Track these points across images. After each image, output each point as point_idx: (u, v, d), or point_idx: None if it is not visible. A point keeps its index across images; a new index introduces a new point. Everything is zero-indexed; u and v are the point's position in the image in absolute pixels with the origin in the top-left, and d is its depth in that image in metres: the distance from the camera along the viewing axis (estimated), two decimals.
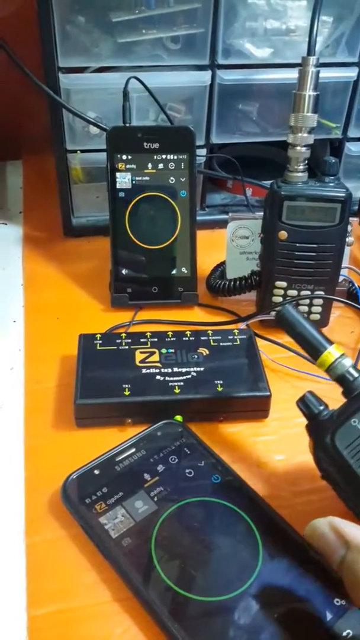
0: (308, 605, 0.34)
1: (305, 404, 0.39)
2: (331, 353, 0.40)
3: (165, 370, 0.49)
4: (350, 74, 0.68)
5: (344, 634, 0.32)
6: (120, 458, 0.43)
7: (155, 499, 0.40)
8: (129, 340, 0.52)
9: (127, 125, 0.60)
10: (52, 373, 0.53)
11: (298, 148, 0.52)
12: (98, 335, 0.52)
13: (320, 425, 0.38)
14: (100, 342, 0.52)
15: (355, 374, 0.39)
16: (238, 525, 0.38)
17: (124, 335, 0.53)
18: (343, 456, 0.36)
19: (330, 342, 0.40)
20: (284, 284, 0.56)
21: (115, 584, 0.36)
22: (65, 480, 0.41)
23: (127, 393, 0.47)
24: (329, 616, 0.33)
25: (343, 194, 0.52)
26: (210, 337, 0.53)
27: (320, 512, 0.41)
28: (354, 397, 0.38)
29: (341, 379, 0.39)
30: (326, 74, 0.66)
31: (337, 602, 0.34)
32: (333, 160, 0.53)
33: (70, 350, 0.52)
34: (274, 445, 0.47)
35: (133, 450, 0.43)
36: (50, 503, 0.41)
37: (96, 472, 0.41)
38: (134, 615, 0.35)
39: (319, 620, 0.33)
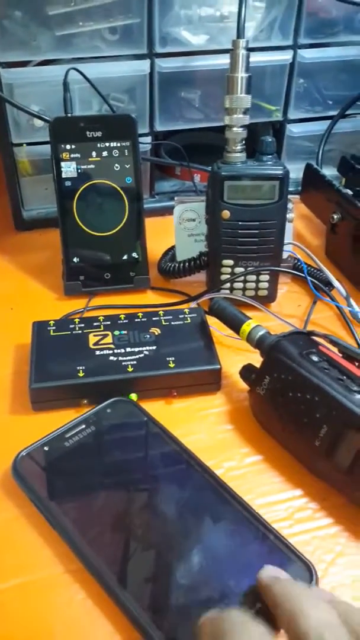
0: (244, 570, 0.35)
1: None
2: (249, 324, 0.49)
3: (119, 351, 0.50)
4: (286, 56, 0.70)
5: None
6: (70, 434, 0.44)
7: (104, 473, 0.41)
8: (82, 325, 0.53)
9: (69, 115, 0.61)
10: (7, 361, 0.53)
11: (235, 129, 0.54)
12: (51, 322, 0.53)
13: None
14: (54, 328, 0.53)
15: (268, 335, 0.48)
16: (185, 495, 0.40)
17: (77, 320, 0.54)
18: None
19: (248, 318, 0.50)
20: (230, 262, 0.58)
21: (71, 555, 0.37)
22: (16, 457, 0.42)
23: (81, 374, 0.48)
24: None
25: (281, 171, 0.54)
26: (161, 317, 0.55)
27: (268, 475, 0.44)
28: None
29: (258, 342, 0.48)
30: (263, 57, 0.69)
31: None
32: (270, 139, 0.55)
33: (25, 340, 0.53)
34: (225, 417, 0.49)
35: (83, 426, 0.45)
36: (5, 483, 0.42)
37: (46, 448, 0.43)
38: (93, 583, 0.36)
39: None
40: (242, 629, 0.27)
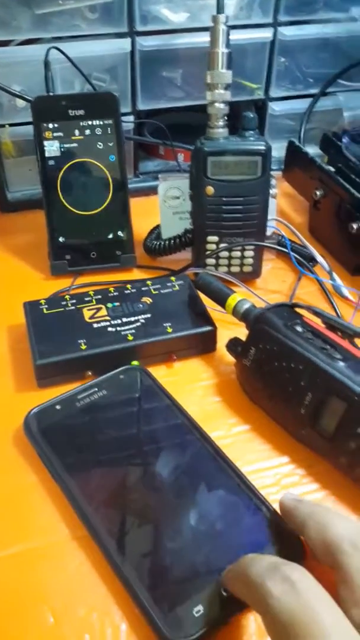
0: (236, 538, 0.36)
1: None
2: (234, 298, 0.50)
3: (115, 322, 0.51)
4: (266, 34, 0.71)
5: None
6: (82, 396, 0.46)
7: (112, 435, 0.43)
8: (74, 301, 0.54)
9: (51, 94, 0.61)
10: (1, 341, 0.54)
11: (216, 104, 0.54)
12: (42, 301, 0.53)
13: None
14: (46, 306, 0.53)
15: (254, 308, 0.48)
16: (189, 463, 0.41)
17: (67, 297, 0.54)
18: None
19: (233, 292, 0.51)
20: (215, 238, 0.58)
21: (72, 522, 0.38)
22: (28, 413, 0.43)
23: (83, 347, 0.49)
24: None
25: (263, 147, 0.55)
26: (150, 287, 0.56)
27: (256, 444, 0.45)
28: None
29: (244, 315, 0.48)
30: (243, 35, 0.69)
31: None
32: (252, 115, 0.55)
33: (15, 320, 0.53)
34: (213, 389, 0.50)
35: (95, 389, 0.46)
36: (11, 454, 0.43)
37: (57, 407, 0.44)
38: (88, 551, 0.37)
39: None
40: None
